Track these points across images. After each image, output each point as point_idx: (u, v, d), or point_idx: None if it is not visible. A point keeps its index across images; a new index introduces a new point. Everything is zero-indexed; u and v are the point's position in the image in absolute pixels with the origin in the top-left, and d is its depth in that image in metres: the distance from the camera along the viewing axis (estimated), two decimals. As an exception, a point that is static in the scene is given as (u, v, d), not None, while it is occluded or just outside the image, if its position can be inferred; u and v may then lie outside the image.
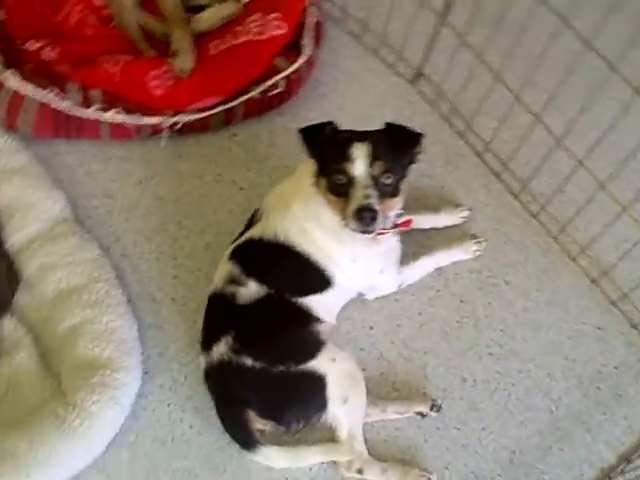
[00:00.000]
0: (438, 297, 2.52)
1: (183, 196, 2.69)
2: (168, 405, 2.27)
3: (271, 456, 2.12)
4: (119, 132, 2.66)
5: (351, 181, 2.00)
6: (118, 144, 2.77)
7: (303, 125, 2.12)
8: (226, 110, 2.71)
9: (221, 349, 2.09)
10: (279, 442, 2.14)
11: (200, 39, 2.79)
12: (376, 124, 2.15)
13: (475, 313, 2.50)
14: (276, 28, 2.71)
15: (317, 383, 2.08)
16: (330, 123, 2.11)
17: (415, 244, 2.59)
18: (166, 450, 2.20)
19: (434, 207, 2.69)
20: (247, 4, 2.86)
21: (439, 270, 2.56)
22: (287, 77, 2.73)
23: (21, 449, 1.95)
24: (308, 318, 2.20)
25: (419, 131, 2.10)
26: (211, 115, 2.69)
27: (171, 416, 2.25)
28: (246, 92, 2.70)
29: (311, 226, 2.17)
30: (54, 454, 1.97)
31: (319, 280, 2.22)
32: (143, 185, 2.71)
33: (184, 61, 2.65)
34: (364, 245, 2.19)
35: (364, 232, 2.02)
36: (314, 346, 2.13)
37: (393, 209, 2.12)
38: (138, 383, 2.20)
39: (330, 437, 2.15)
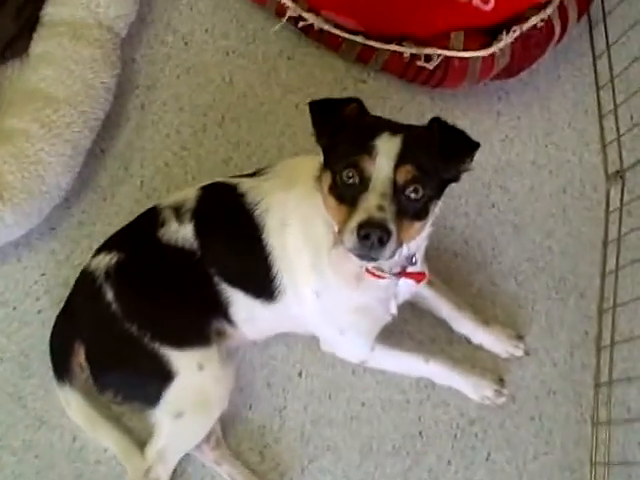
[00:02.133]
0: (400, 408, 2.26)
1: (253, 96, 2.57)
2: (42, 275, 2.24)
3: (71, 402, 2.04)
4: (243, -16, 2.57)
5: (364, 183, 1.67)
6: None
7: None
8: (364, 46, 2.51)
9: (100, 262, 2.00)
10: (94, 400, 2.05)
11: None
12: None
13: (422, 457, 2.23)
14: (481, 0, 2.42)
15: (160, 375, 1.92)
16: (356, 100, 1.81)
17: (428, 336, 2.35)
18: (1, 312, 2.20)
19: (489, 316, 2.39)
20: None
21: (429, 382, 2.27)
22: (448, 59, 2.43)
23: None
24: (217, 311, 2.02)
25: (475, 139, 1.77)
26: (345, 39, 2.52)
27: (33, 287, 2.23)
28: (395, 42, 2.48)
29: (293, 224, 1.94)
30: None
31: (262, 285, 2.00)
32: (228, 57, 2.60)
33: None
34: (340, 283, 1.94)
35: (363, 257, 1.72)
36: (193, 339, 1.96)
37: (412, 237, 1.78)
38: (22, 231, 2.17)
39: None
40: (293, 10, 2.50)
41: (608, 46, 2.82)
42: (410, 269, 1.96)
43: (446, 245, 2.46)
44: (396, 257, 1.75)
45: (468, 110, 2.69)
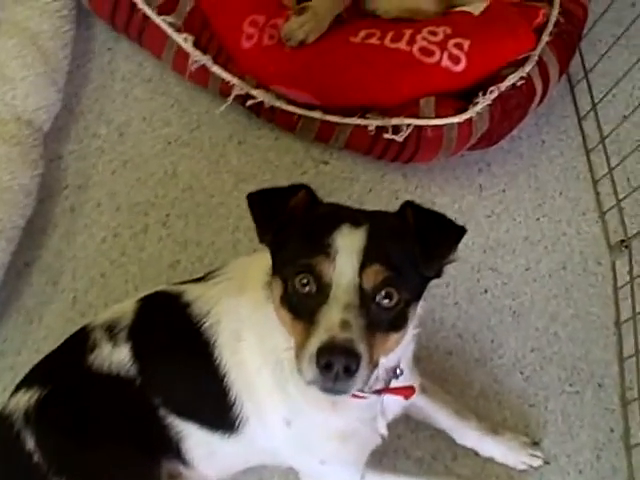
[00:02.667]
0: None
1: (201, 189, 2.33)
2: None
3: None
4: (181, 63, 2.32)
5: (323, 291, 1.35)
6: (181, 82, 2.44)
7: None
8: (323, 122, 2.27)
9: (19, 402, 1.63)
10: None
11: (358, 20, 2.36)
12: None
13: None
14: (450, 59, 2.17)
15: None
16: (304, 187, 1.50)
17: (428, 452, 2.05)
18: None
19: (497, 422, 2.08)
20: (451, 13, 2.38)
21: None
22: (419, 129, 2.17)
23: None
24: (166, 450, 1.67)
25: (459, 224, 1.47)
26: (301, 116, 2.28)
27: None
28: (358, 115, 2.23)
29: (249, 338, 1.62)
30: None
31: (219, 415, 1.66)
32: (170, 146, 2.37)
33: (300, 25, 2.21)
34: (313, 407, 1.60)
35: (327, 391, 1.37)
36: None
37: (390, 351, 1.45)
38: None
39: None
40: (239, 88, 2.27)
41: (594, 105, 2.61)
42: (395, 383, 1.63)
43: (437, 342, 2.17)
44: (371, 382, 1.46)
45: (446, 186, 2.43)
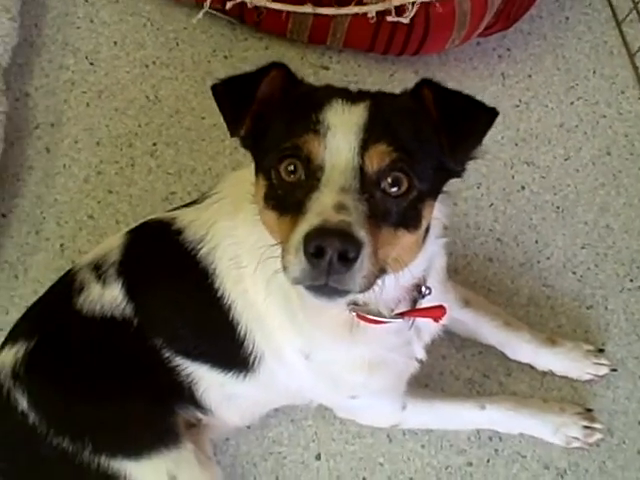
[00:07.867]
0: (462, 474, 1.83)
1: (188, 111, 2.21)
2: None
3: None
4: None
5: (314, 175, 1.18)
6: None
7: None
8: (316, 17, 2.11)
9: (5, 361, 1.51)
10: None
11: None
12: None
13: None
14: None
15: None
16: (277, 65, 1.31)
17: (478, 371, 1.96)
18: None
19: (552, 330, 1.99)
20: None
21: (493, 433, 1.84)
22: (426, 6, 2.00)
23: None
24: (178, 396, 1.58)
25: (487, 104, 1.28)
26: (290, 13, 2.12)
27: None
28: (356, 2, 2.07)
29: (251, 264, 1.43)
30: None
31: (230, 353, 1.54)
32: (148, 69, 2.25)
33: None
34: (328, 336, 1.46)
35: (321, 293, 1.18)
36: (154, 441, 1.52)
37: (402, 259, 1.25)
38: None
39: None
40: (213, -12, 2.15)
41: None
42: (423, 302, 1.46)
43: (475, 249, 2.05)
44: (376, 289, 1.19)
45: (464, 78, 2.30)
